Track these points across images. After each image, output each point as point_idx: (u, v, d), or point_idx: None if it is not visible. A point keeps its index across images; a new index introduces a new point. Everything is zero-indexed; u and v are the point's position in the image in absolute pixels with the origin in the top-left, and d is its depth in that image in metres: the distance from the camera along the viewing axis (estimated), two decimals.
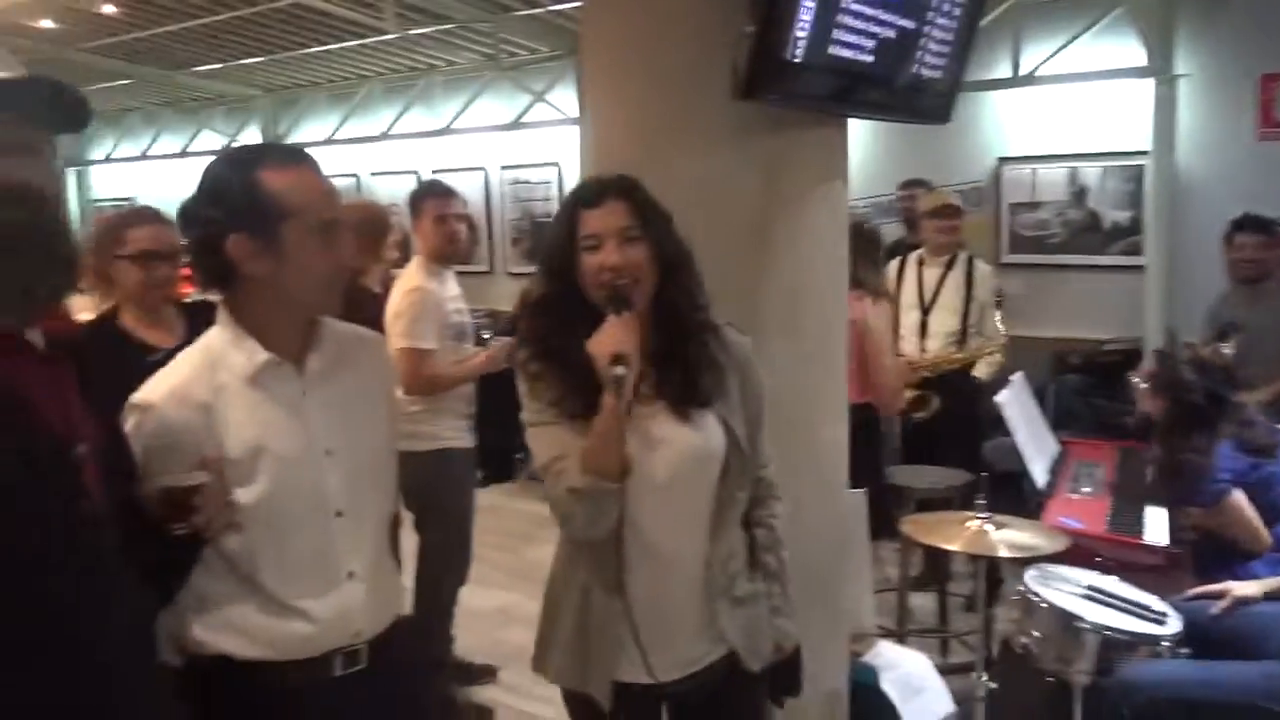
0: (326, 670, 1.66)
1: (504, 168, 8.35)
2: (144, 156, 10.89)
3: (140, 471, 1.47)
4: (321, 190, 1.63)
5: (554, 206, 8.07)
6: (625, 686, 1.81)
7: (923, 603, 4.25)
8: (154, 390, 1.61)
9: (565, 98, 7.79)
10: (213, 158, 1.67)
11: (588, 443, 1.67)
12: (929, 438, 4.31)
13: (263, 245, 1.56)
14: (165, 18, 7.38)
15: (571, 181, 7.96)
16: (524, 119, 8.05)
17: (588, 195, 1.77)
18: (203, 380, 1.60)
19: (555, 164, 8.00)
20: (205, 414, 1.57)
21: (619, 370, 1.59)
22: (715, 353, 1.82)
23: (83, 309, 3.45)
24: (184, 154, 10.32)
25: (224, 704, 1.61)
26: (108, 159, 11.40)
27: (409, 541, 3.22)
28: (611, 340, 1.63)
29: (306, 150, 1.69)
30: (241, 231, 1.56)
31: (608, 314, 1.68)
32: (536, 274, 1.85)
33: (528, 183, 8.26)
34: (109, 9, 7.07)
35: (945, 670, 3.10)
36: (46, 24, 7.40)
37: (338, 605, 1.66)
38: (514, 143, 8.19)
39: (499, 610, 4.51)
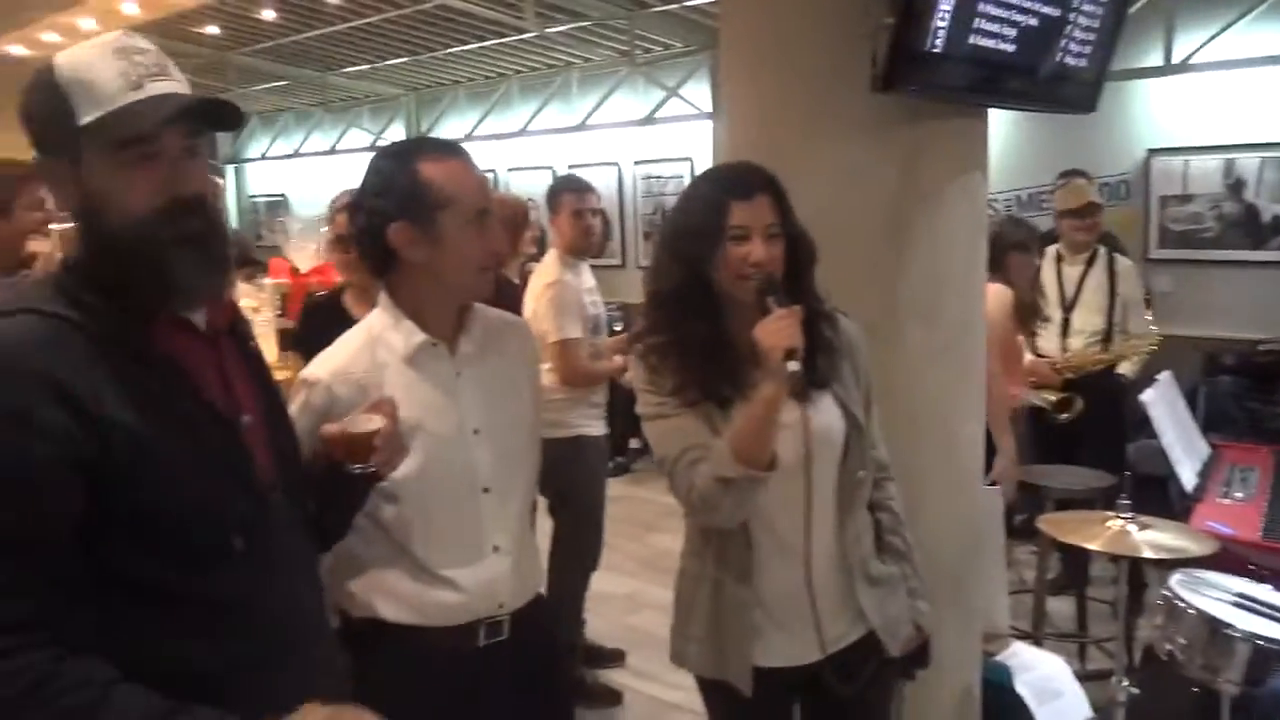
0: (471, 639, 1.74)
1: (637, 163, 8.44)
2: (296, 154, 11.41)
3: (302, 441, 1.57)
4: (475, 181, 1.72)
5: None
6: (763, 672, 1.83)
7: (1060, 607, 4.14)
8: (320, 367, 1.73)
9: (698, 92, 7.82)
10: (358, 155, 1.79)
11: (740, 432, 1.68)
12: (1070, 438, 4.18)
13: (421, 232, 1.66)
14: (319, 21, 7.73)
15: None
16: (657, 114, 8.12)
17: (738, 187, 1.78)
18: (364, 359, 1.71)
19: (688, 159, 8.03)
20: (365, 391, 1.66)
21: (794, 366, 1.62)
22: (830, 337, 1.85)
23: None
24: (332, 151, 10.77)
25: (375, 665, 1.70)
26: (263, 157, 12.00)
27: (542, 526, 3.32)
28: (787, 334, 1.63)
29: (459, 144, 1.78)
30: (402, 219, 1.66)
31: (766, 306, 1.69)
32: (660, 262, 1.86)
33: (660, 177, 8.32)
34: (269, 14, 7.44)
35: (1084, 677, 3.02)
36: (212, 30, 7.85)
37: (483, 577, 1.73)
38: (647, 138, 8.27)
39: (628, 596, 4.59)
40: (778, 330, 1.64)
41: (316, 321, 2.94)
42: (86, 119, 1.20)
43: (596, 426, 3.72)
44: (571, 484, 3.61)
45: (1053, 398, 4.19)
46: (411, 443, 1.66)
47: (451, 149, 1.74)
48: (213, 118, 1.29)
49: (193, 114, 1.26)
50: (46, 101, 1.22)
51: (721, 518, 1.77)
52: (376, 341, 1.74)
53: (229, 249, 1.35)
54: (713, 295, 1.78)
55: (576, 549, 3.71)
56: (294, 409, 1.66)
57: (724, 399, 1.77)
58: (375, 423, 1.47)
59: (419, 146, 1.76)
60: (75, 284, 1.24)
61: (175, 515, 1.23)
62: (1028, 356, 4.32)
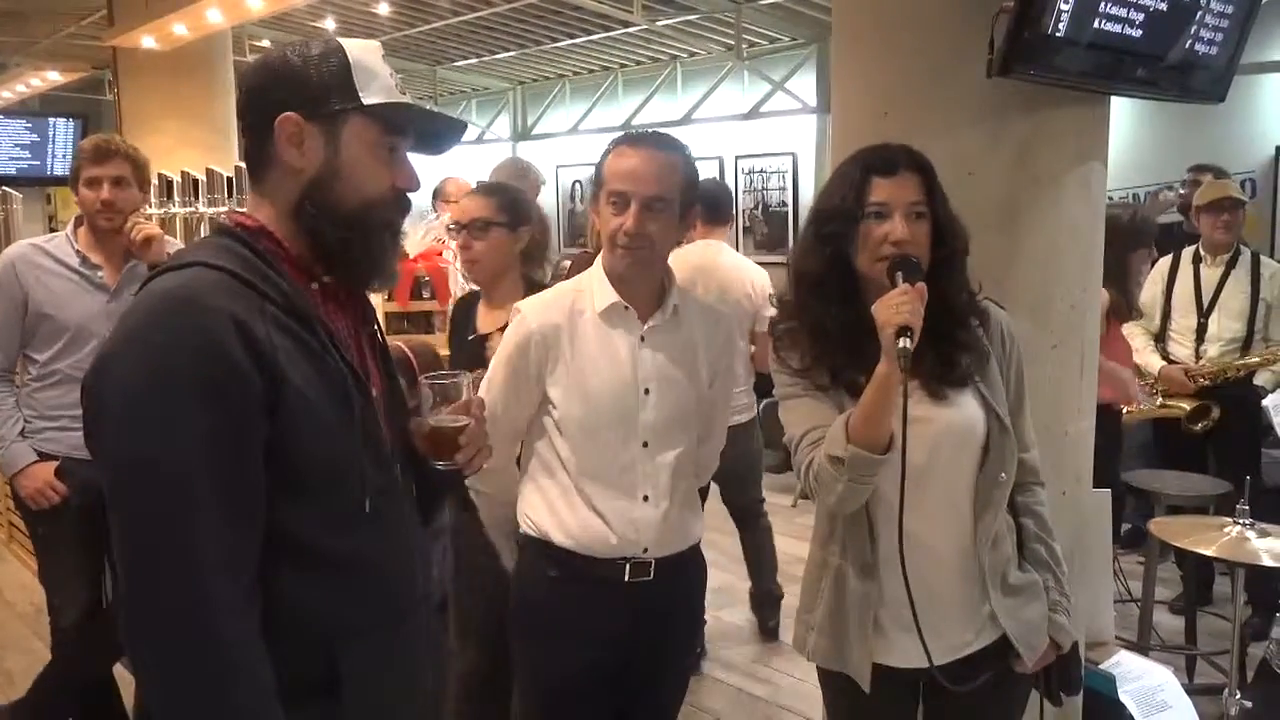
0: (618, 572, 1.97)
1: (739, 157, 8.42)
2: None
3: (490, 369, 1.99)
4: (624, 167, 1.94)
5: (788, 196, 8.06)
6: (885, 670, 1.79)
7: (1167, 620, 3.99)
8: (530, 302, 2.06)
9: (804, 86, 7.75)
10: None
11: (858, 412, 1.63)
12: (1198, 448, 4.02)
13: (595, 213, 2.02)
14: (431, 15, 7.90)
15: (807, 172, 7.95)
16: (762, 108, 8.08)
17: (881, 163, 1.72)
18: (566, 304, 2.01)
19: (791, 154, 7.98)
20: (558, 330, 1.97)
21: (905, 344, 1.55)
22: (975, 332, 1.78)
23: None
24: None
25: (544, 581, 2.02)
26: None
27: None
28: (903, 311, 1.56)
29: (650, 134, 2.03)
30: (592, 203, 2.06)
31: (894, 282, 1.63)
32: (804, 243, 1.82)
33: (763, 172, 8.29)
34: (384, 9, 7.63)
35: (1192, 691, 2.91)
36: (329, 24, 8.08)
37: (630, 519, 1.97)
38: (750, 132, 8.24)
39: (717, 590, 4.56)
40: (895, 306, 1.57)
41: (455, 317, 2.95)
42: (371, 100, 1.31)
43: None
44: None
45: (1187, 407, 4.02)
46: (586, 387, 1.95)
47: (636, 140, 2.00)
48: (436, 140, 1.45)
49: (448, 132, 1.45)
50: (335, 72, 1.30)
51: (834, 499, 1.70)
52: (582, 293, 2.01)
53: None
54: (852, 278, 1.74)
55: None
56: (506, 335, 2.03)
57: (854, 384, 1.71)
58: (462, 421, 1.49)
59: (621, 139, 2.03)
60: (242, 242, 1.29)
61: (324, 470, 1.27)
62: (1159, 363, 4.17)
